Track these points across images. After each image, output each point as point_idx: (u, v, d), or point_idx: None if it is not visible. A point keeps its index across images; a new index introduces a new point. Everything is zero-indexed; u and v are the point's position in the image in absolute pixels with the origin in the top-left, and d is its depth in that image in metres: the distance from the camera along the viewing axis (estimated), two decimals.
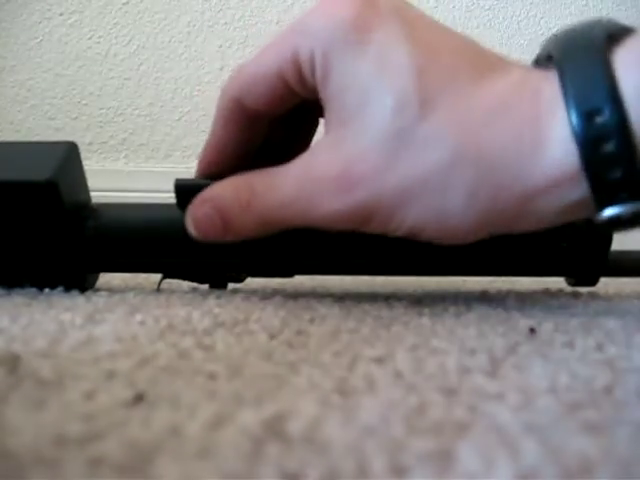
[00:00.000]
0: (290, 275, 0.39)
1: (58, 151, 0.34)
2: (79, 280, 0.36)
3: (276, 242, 0.35)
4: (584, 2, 0.84)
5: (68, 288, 0.35)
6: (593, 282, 0.39)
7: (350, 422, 0.14)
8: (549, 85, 0.24)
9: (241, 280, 0.39)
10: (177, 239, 0.35)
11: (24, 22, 0.78)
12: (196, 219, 0.30)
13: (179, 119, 0.76)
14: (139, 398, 0.15)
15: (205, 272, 0.37)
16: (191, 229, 0.31)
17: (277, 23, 0.82)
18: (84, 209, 0.35)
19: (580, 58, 0.24)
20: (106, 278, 0.42)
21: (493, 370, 0.19)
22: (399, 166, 0.25)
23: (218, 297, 0.32)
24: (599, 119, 0.22)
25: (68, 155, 0.34)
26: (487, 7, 0.86)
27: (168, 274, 0.37)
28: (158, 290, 0.36)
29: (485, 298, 0.35)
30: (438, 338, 0.23)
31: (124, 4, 0.80)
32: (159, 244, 0.35)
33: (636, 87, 0.22)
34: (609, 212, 0.23)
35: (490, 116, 0.24)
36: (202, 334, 0.23)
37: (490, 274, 0.39)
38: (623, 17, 0.64)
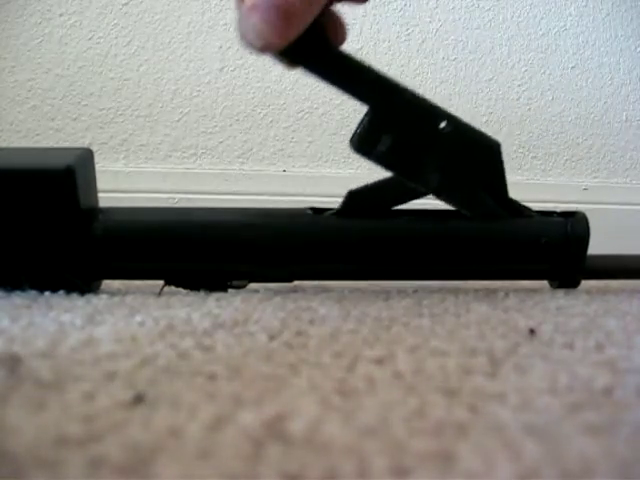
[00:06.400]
0: (289, 280, 0.39)
1: (75, 151, 0.35)
2: (84, 284, 0.35)
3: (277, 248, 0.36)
4: (584, 2, 0.84)
5: (72, 291, 0.34)
6: (575, 284, 0.41)
7: (350, 423, 0.14)
8: None
9: (243, 286, 0.39)
10: (182, 243, 0.36)
11: (24, 23, 0.78)
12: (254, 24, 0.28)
13: (179, 120, 0.76)
14: (139, 399, 0.15)
15: (207, 280, 0.37)
16: (252, 38, 0.28)
17: None
18: (94, 212, 0.35)
19: None
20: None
21: (493, 371, 0.19)
22: None
23: (218, 299, 0.32)
24: None
25: (84, 156, 0.35)
26: (487, 8, 0.86)
27: (170, 281, 0.37)
28: (159, 295, 0.36)
29: (485, 298, 0.35)
30: (438, 339, 0.23)
31: (124, 5, 0.80)
32: (164, 248, 0.36)
33: None
34: None
35: None
36: (202, 335, 0.23)
37: (476, 278, 0.40)
38: (623, 17, 0.64)
